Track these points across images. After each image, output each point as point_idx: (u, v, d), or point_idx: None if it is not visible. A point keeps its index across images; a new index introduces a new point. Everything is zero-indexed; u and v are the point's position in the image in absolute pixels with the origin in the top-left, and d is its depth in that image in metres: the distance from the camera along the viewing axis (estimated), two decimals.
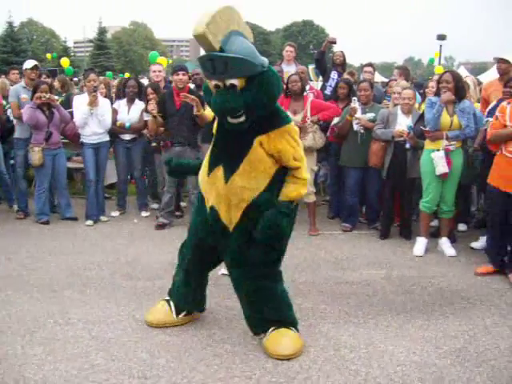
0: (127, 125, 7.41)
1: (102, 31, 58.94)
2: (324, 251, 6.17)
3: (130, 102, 7.52)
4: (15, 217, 7.38)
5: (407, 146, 6.37)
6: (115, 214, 7.64)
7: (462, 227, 7.03)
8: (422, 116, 6.21)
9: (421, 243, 6.13)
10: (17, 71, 9.18)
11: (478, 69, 40.16)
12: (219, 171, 3.68)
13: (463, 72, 16.24)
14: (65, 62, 15.02)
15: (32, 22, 70.22)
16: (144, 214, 7.70)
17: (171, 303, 4.18)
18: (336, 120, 6.91)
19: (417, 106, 6.98)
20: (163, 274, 5.28)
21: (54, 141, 7.00)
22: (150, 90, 7.14)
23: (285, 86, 7.13)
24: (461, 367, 3.63)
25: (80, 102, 7.10)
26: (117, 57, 63.48)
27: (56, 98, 7.53)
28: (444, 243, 6.14)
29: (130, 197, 8.09)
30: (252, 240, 3.64)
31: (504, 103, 5.36)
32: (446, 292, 5.00)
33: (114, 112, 7.41)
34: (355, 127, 6.77)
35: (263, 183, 3.61)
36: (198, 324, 4.20)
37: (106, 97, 7.77)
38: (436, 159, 5.80)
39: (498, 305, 4.71)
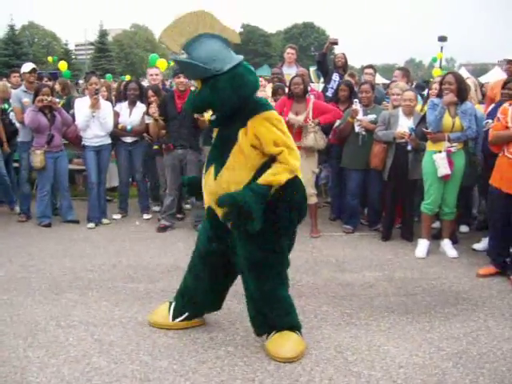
0: (129, 127, 7.42)
1: (103, 34, 59.10)
2: (325, 253, 6.17)
3: (132, 104, 7.53)
4: (17, 219, 7.38)
5: (409, 147, 6.36)
6: (117, 216, 7.64)
7: (463, 229, 7.03)
8: (423, 118, 6.21)
9: (422, 245, 6.13)
10: (17, 74, 9.18)
11: (479, 70, 40.21)
12: (211, 169, 3.72)
13: (464, 73, 16.23)
14: (63, 65, 15.05)
15: (33, 25, 70.44)
16: (146, 216, 7.70)
17: (172, 306, 4.17)
18: (338, 122, 6.92)
19: (419, 107, 6.98)
20: (165, 277, 5.29)
21: (55, 144, 7.01)
22: (151, 92, 7.15)
23: (287, 88, 7.16)
24: (463, 369, 3.62)
25: (82, 105, 7.11)
26: (118, 59, 63.61)
27: (57, 100, 7.54)
28: (446, 245, 6.14)
29: (132, 199, 8.09)
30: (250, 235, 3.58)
31: (506, 104, 5.35)
32: (448, 294, 4.99)
33: (116, 115, 7.41)
34: (357, 129, 6.77)
35: (247, 176, 3.56)
36: (200, 326, 4.19)
37: (107, 99, 7.78)
38: (438, 161, 5.79)
39: (500, 306, 4.70)
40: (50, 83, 8.12)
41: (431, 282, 5.27)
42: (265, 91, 8.06)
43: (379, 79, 18.13)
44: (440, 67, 28.03)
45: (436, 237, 6.42)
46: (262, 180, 3.50)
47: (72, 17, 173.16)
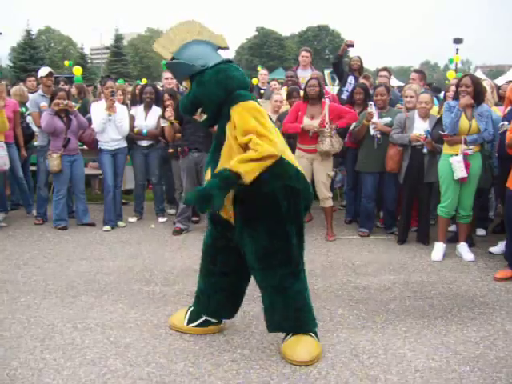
0: (144, 131, 7.45)
1: (119, 38, 59.42)
2: (341, 256, 6.15)
3: (147, 108, 7.56)
4: (33, 222, 7.43)
5: (424, 150, 6.33)
6: (132, 219, 7.68)
7: (480, 232, 6.97)
8: (439, 120, 6.16)
9: (439, 248, 6.08)
10: (33, 78, 9.29)
11: (495, 72, 39.89)
12: (209, 171, 3.76)
13: (480, 76, 16.14)
14: (77, 70, 15.11)
15: (49, 30, 71.07)
16: (161, 219, 7.72)
17: (189, 310, 4.17)
18: (353, 125, 6.90)
19: (436, 109, 6.94)
20: (180, 280, 5.30)
21: (71, 147, 7.07)
22: (166, 96, 7.17)
23: (302, 91, 7.15)
24: (481, 373, 3.59)
25: (98, 108, 7.16)
26: (133, 63, 63.99)
27: (73, 104, 7.60)
28: (462, 248, 6.09)
29: (147, 202, 8.14)
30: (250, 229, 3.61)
31: None
32: (465, 297, 4.95)
33: (132, 118, 7.45)
34: (372, 132, 6.75)
35: None
36: None
37: (122, 103, 7.82)
38: (454, 164, 5.76)
39: None
40: (67, 87, 8.17)
41: (448, 286, 5.23)
42: (280, 94, 8.06)
43: (394, 82, 18.04)
44: (455, 70, 27.86)
45: (452, 240, 6.38)
46: (227, 165, 3.49)
47: (88, 21, 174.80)
